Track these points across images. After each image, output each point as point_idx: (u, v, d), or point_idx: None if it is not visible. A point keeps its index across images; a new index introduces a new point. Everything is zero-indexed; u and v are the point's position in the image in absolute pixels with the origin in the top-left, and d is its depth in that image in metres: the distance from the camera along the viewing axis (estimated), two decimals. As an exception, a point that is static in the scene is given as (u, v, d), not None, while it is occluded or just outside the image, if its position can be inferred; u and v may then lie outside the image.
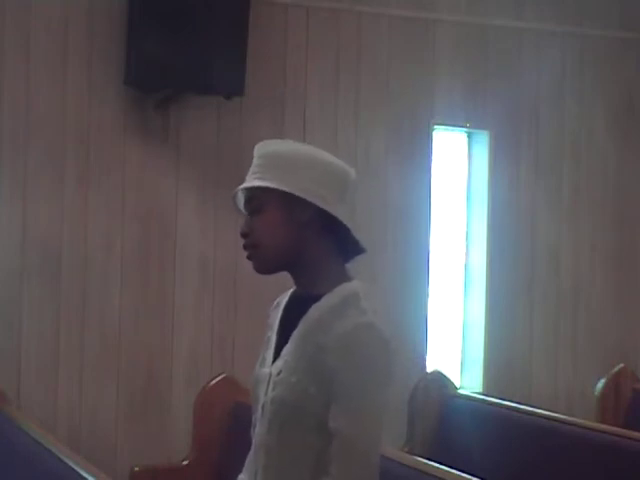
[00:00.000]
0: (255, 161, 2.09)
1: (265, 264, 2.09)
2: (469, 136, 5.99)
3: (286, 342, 2.07)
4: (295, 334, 2.06)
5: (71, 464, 3.28)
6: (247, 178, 2.09)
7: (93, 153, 5.00)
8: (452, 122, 5.83)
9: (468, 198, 5.98)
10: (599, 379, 5.30)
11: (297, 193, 2.02)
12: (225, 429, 4.39)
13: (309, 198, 2.03)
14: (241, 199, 2.13)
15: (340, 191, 2.10)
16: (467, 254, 5.97)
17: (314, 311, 2.05)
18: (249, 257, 2.09)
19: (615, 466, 3.87)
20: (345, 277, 2.10)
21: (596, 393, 5.24)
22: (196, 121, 5.18)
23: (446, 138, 5.92)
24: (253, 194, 2.08)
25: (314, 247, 2.08)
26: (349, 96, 5.53)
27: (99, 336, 4.99)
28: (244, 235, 2.09)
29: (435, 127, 5.76)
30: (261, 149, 2.10)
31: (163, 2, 4.85)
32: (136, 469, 4.50)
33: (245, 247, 2.09)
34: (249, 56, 4.98)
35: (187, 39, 4.83)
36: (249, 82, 5.02)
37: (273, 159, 2.06)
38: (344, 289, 2.06)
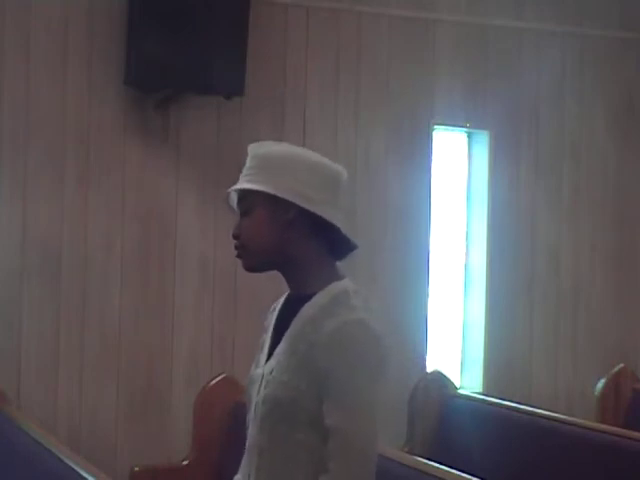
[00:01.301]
0: (247, 162, 2.13)
1: (252, 263, 2.13)
2: (469, 136, 5.99)
3: (279, 342, 2.10)
4: (287, 333, 2.08)
5: (71, 464, 3.28)
6: (240, 179, 2.13)
7: (93, 153, 5.00)
8: (452, 122, 5.83)
9: (468, 198, 5.98)
10: (599, 379, 5.30)
11: (279, 194, 2.05)
12: (225, 429, 4.39)
13: (291, 198, 2.05)
14: (234, 198, 2.17)
15: (330, 191, 2.10)
16: (467, 254, 5.97)
17: (305, 310, 2.07)
18: (238, 256, 2.13)
19: (615, 466, 3.87)
20: (336, 276, 2.11)
21: (596, 393, 5.24)
22: (196, 121, 5.18)
23: (446, 138, 5.92)
24: (243, 195, 2.12)
25: (302, 247, 2.10)
26: (349, 96, 5.53)
27: (99, 336, 4.99)
28: (235, 237, 2.12)
29: (435, 127, 5.76)
30: (253, 150, 2.13)
31: (163, 2, 4.85)
32: (136, 469, 4.50)
33: (236, 247, 2.13)
34: (249, 56, 4.98)
35: (187, 39, 4.83)
36: (249, 82, 5.02)
37: (263, 161, 2.09)
38: (334, 288, 2.08)
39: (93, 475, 3.11)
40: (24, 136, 4.89)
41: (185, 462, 4.47)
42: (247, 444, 2.13)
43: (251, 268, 2.14)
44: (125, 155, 5.06)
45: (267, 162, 2.09)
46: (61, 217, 4.94)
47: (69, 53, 4.96)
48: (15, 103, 4.88)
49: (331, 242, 2.12)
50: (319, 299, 2.07)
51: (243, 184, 2.10)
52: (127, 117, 5.06)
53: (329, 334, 2.00)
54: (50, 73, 4.93)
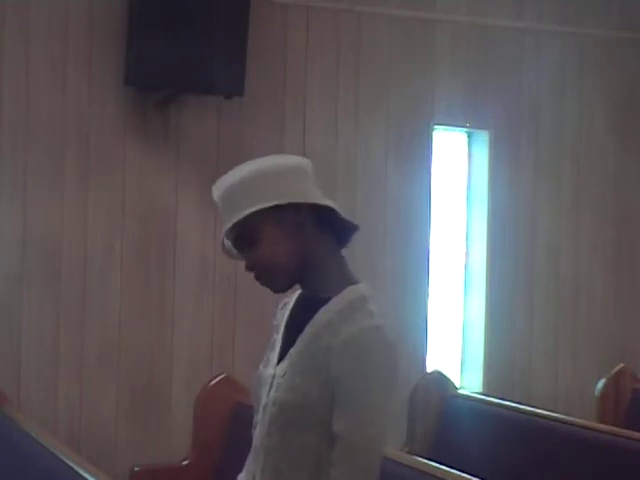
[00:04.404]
0: (220, 204, 2.06)
1: (281, 284, 2.10)
2: (469, 136, 5.99)
3: (292, 344, 2.08)
4: (302, 336, 2.06)
5: (71, 464, 3.27)
6: (225, 222, 2.06)
7: (93, 153, 5.00)
8: (452, 122, 5.83)
9: (468, 198, 5.98)
10: (599, 379, 5.30)
11: (281, 201, 2.01)
12: (225, 429, 4.39)
13: (286, 201, 2.01)
14: (229, 242, 2.12)
15: (306, 181, 2.07)
16: (467, 254, 5.97)
17: (322, 315, 2.05)
18: (263, 284, 2.10)
19: (615, 466, 3.87)
20: (351, 279, 2.10)
21: (596, 393, 5.23)
22: (196, 121, 5.18)
23: (446, 138, 5.92)
24: (241, 230, 2.06)
25: (315, 246, 2.08)
26: (349, 96, 5.53)
27: (99, 336, 4.99)
28: (249, 269, 2.09)
29: (435, 127, 5.76)
30: (217, 191, 2.07)
31: (163, 2, 4.84)
32: (136, 469, 4.50)
33: (257, 278, 2.10)
34: (249, 56, 4.98)
35: (187, 39, 4.83)
36: (249, 82, 5.02)
37: (246, 183, 2.03)
38: (351, 292, 2.06)
39: (93, 475, 3.10)
40: (24, 136, 4.89)
41: (185, 462, 4.47)
42: (254, 444, 2.11)
43: (282, 290, 2.11)
44: (125, 155, 5.06)
45: (247, 183, 2.03)
46: (61, 217, 4.94)
47: (69, 53, 4.96)
48: (15, 103, 4.88)
49: (335, 229, 2.10)
50: (335, 303, 2.05)
51: (236, 217, 2.02)
52: (127, 117, 5.06)
53: (344, 341, 1.98)
54: (50, 73, 4.93)
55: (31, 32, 4.90)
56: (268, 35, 5.29)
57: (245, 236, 2.07)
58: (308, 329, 2.05)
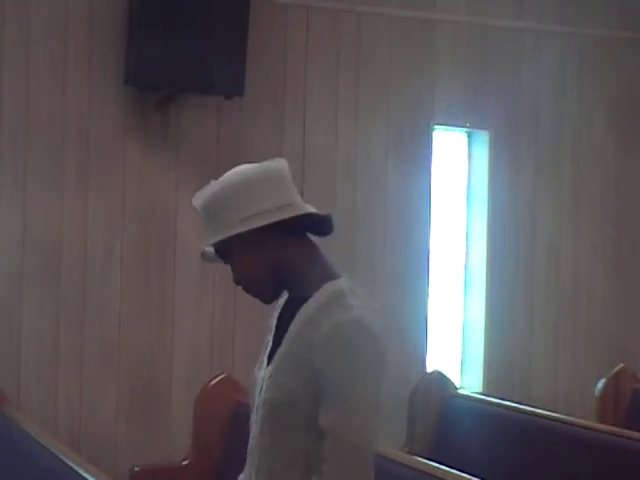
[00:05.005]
0: (201, 215, 2.13)
1: (267, 296, 2.16)
2: (469, 136, 5.99)
3: (280, 345, 2.10)
4: (287, 336, 2.09)
5: (71, 464, 3.28)
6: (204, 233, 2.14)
7: (93, 153, 5.00)
8: (452, 122, 5.83)
9: (468, 198, 5.98)
10: (599, 379, 5.30)
11: (234, 232, 2.05)
12: (225, 429, 4.39)
13: (247, 228, 2.05)
14: (211, 253, 2.18)
15: (281, 188, 2.09)
16: (467, 254, 5.97)
17: (302, 312, 2.08)
18: (253, 296, 2.17)
19: (615, 466, 3.87)
20: (331, 275, 2.12)
21: (596, 393, 5.23)
22: (196, 121, 5.18)
23: (446, 138, 5.92)
24: (216, 247, 2.13)
25: (290, 253, 2.11)
26: (349, 96, 5.53)
27: (99, 336, 4.99)
28: (237, 284, 2.16)
29: (435, 127, 5.76)
30: (196, 203, 2.12)
31: (163, 2, 4.84)
32: (136, 469, 4.50)
33: (245, 291, 2.16)
34: (249, 56, 4.98)
35: (187, 39, 4.83)
36: (249, 82, 5.02)
37: (207, 209, 2.09)
38: (329, 287, 2.08)
39: (93, 475, 3.11)
40: (24, 136, 4.89)
41: (185, 462, 4.47)
42: (249, 445, 2.14)
43: (270, 300, 2.17)
44: (125, 155, 5.06)
45: (210, 208, 2.09)
46: (61, 217, 4.94)
47: (69, 53, 4.96)
48: (15, 103, 4.88)
49: (311, 226, 2.12)
50: (315, 300, 2.07)
51: (206, 240, 2.12)
52: (127, 117, 5.06)
53: (325, 334, 2.00)
54: (50, 73, 4.93)
55: (31, 32, 4.90)
56: (268, 35, 5.29)
57: (221, 253, 2.14)
58: (291, 329, 2.08)
